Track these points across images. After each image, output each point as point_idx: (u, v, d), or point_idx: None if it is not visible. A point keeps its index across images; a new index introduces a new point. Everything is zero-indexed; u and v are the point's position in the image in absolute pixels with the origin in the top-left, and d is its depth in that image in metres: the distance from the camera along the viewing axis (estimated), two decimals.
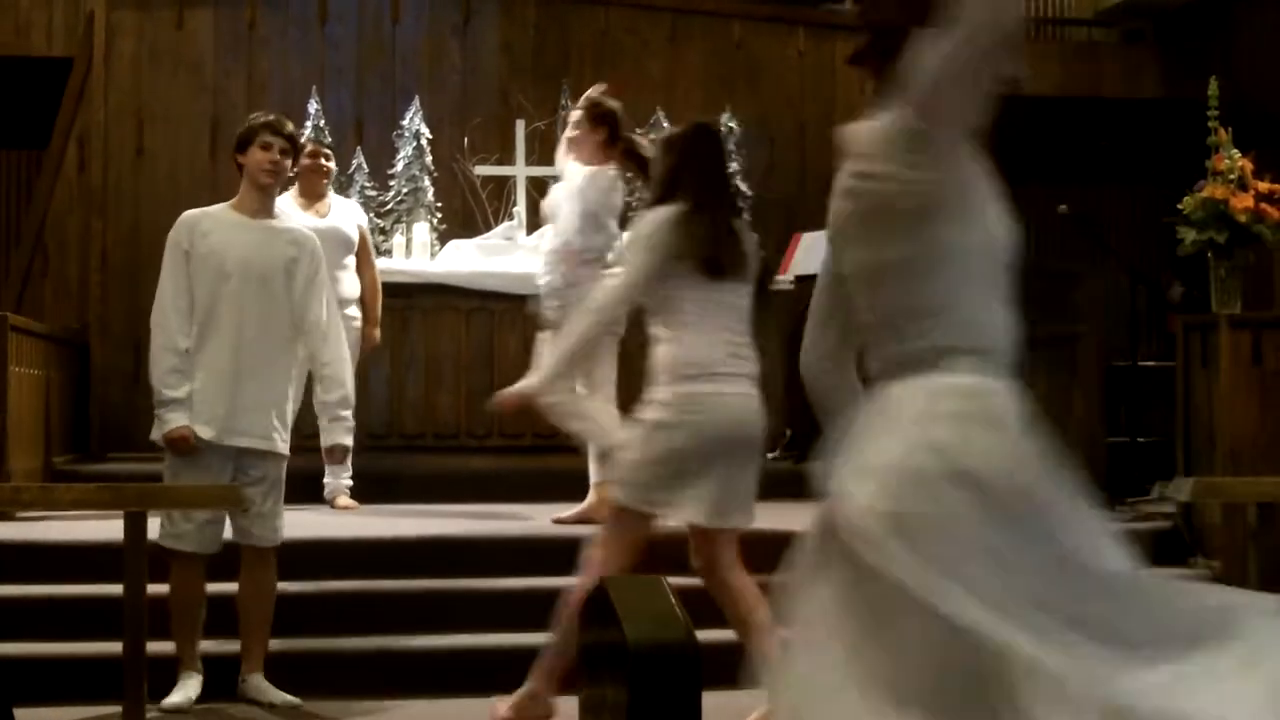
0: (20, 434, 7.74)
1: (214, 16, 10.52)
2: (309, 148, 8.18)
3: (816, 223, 10.13)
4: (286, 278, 5.68)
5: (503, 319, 9.44)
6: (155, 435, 5.65)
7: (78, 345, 9.79)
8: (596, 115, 7.16)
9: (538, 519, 7.35)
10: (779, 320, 9.85)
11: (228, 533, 5.72)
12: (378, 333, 8.39)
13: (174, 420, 5.50)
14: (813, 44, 11.43)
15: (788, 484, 9.00)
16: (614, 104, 7.22)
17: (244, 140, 5.75)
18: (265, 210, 5.75)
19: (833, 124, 10.92)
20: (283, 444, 5.71)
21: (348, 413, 6.14)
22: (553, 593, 5.28)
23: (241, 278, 5.60)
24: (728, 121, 10.09)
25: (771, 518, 7.71)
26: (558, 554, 6.00)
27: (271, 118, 5.81)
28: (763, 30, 11.36)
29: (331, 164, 8.37)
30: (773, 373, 9.63)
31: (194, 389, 5.54)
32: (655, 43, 11.16)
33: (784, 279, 9.82)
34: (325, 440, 6.37)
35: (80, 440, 9.62)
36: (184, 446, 5.50)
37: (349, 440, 6.36)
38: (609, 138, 7.04)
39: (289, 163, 5.78)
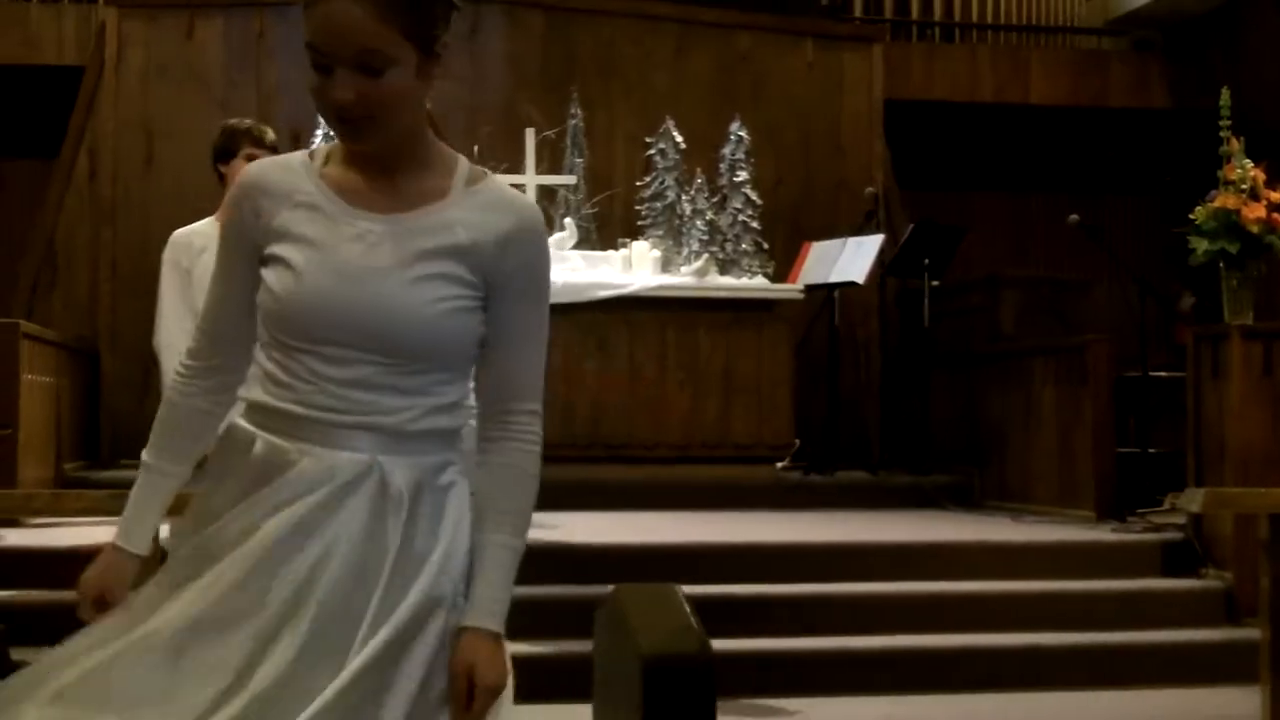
0: (31, 441, 7.74)
1: (224, 26, 10.54)
2: None
3: (824, 232, 10.18)
4: None
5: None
6: None
7: (88, 354, 9.79)
8: None
9: (565, 526, 7.33)
10: (788, 329, 9.88)
11: None
12: None
13: None
14: (820, 55, 11.43)
15: (795, 494, 9.09)
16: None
17: (227, 150, 5.56)
18: None
19: (840, 135, 10.92)
20: None
21: None
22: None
23: None
24: (737, 131, 10.07)
25: (778, 528, 7.74)
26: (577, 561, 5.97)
27: (249, 124, 5.65)
28: (769, 41, 11.36)
29: None
30: (780, 381, 9.70)
31: None
32: (661, 54, 11.16)
33: (793, 288, 9.81)
34: None
35: (91, 447, 9.63)
36: None
37: None
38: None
39: None
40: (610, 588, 5.99)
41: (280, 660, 2.16)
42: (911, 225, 10.11)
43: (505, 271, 2.33)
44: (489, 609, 2.28)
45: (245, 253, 2.39)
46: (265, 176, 2.39)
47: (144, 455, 2.46)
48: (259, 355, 2.36)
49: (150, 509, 2.44)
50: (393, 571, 2.21)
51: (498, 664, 2.25)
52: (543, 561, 6.76)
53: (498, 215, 2.35)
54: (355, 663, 2.14)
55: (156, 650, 2.20)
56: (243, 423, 2.34)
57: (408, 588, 2.21)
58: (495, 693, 2.25)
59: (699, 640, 1.58)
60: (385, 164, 2.34)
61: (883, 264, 9.96)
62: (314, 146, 2.53)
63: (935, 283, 9.85)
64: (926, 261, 9.75)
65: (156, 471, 2.43)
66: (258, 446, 2.28)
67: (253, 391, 2.35)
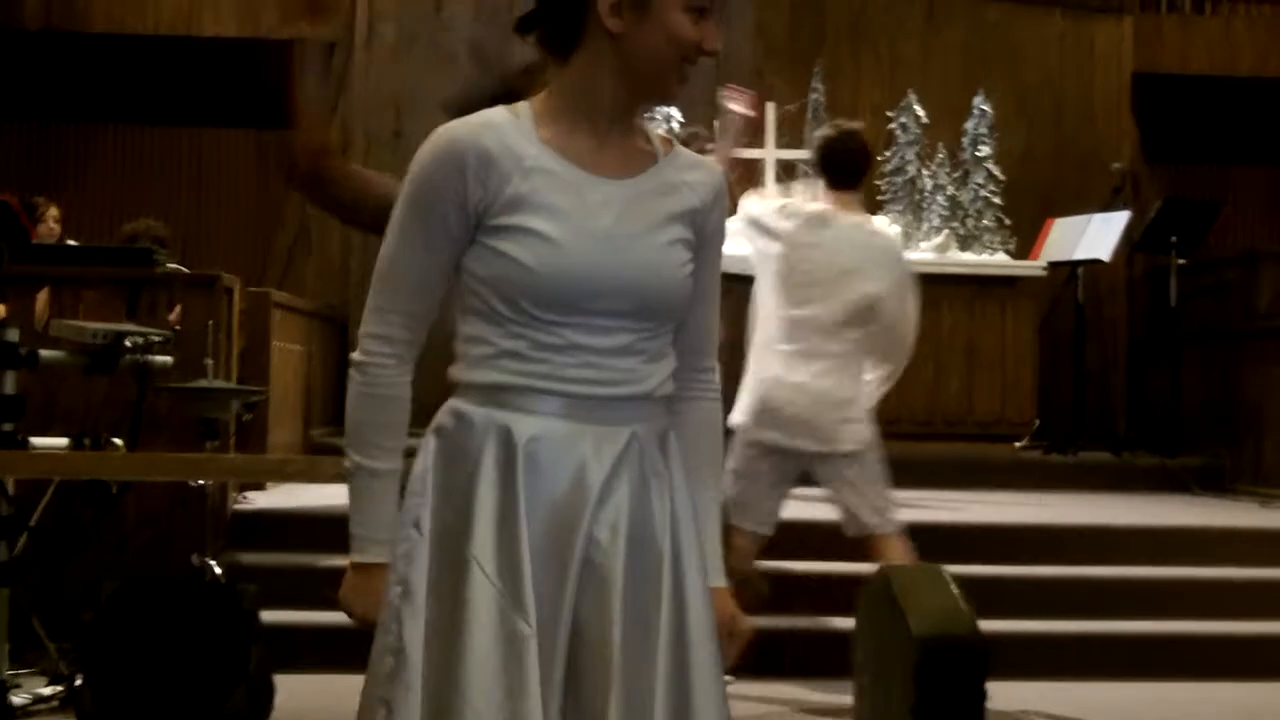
0: (281, 407, 7.97)
1: (474, 1, 10.69)
2: None
3: (1071, 207, 9.95)
4: None
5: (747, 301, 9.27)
6: None
7: (337, 321, 10.04)
8: None
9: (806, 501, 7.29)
10: (1031, 306, 9.70)
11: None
12: None
13: None
14: (1071, 25, 11.19)
15: (1035, 473, 8.91)
16: None
17: None
18: None
19: (1090, 108, 10.62)
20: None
21: None
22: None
23: None
24: (980, 105, 9.91)
25: (1018, 509, 7.62)
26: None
27: None
28: (1020, 11, 11.14)
29: None
30: (1023, 359, 9.53)
31: None
32: (911, 23, 11.03)
33: (1035, 265, 9.64)
34: None
35: (338, 414, 9.86)
36: None
37: None
38: None
39: None
40: (854, 565, 5.97)
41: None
42: (1160, 201, 9.84)
43: (710, 232, 2.32)
44: (720, 565, 2.34)
45: (457, 222, 2.23)
46: (481, 141, 2.23)
47: (366, 461, 2.31)
48: (482, 331, 2.22)
49: (392, 516, 2.27)
50: (673, 540, 2.19)
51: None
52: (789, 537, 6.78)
53: (701, 175, 2.31)
54: (701, 655, 2.16)
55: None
56: (474, 408, 2.22)
57: (680, 555, 2.19)
58: (748, 640, 2.36)
59: (971, 622, 1.56)
60: (612, 126, 2.25)
61: (1130, 241, 9.71)
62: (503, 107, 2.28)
63: (1183, 260, 9.56)
64: (1174, 239, 9.47)
65: (389, 476, 2.29)
66: (513, 432, 2.17)
67: (478, 373, 2.23)
